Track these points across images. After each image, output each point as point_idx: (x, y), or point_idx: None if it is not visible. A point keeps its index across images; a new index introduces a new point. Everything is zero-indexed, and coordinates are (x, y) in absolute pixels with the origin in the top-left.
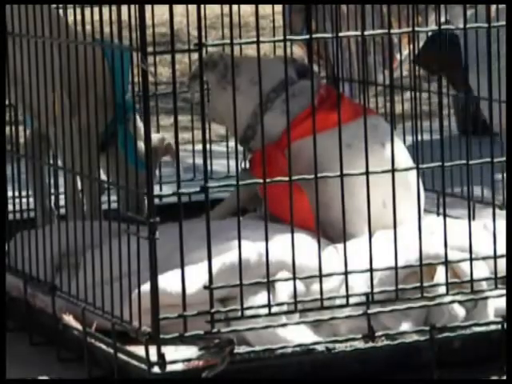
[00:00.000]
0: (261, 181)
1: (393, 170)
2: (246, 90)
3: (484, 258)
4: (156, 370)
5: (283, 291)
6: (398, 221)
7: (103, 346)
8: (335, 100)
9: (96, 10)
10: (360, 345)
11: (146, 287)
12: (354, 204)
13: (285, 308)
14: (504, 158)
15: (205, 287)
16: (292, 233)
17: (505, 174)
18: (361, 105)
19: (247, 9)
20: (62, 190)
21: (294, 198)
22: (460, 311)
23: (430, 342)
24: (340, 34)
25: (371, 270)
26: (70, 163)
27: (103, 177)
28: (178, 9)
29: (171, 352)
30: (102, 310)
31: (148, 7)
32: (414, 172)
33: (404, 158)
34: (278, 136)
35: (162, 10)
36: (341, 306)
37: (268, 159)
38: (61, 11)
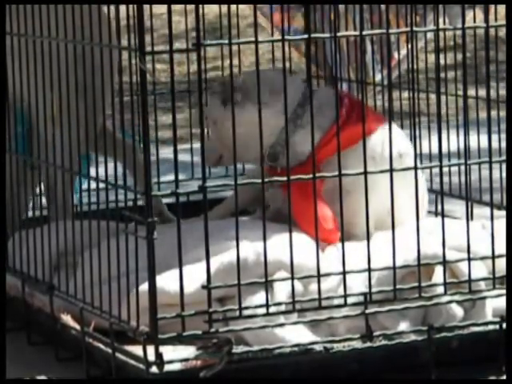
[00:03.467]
0: (259, 181)
1: (391, 170)
2: (271, 103)
3: (482, 258)
4: (154, 369)
5: (281, 291)
6: (400, 224)
7: (101, 346)
8: (361, 111)
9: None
10: (358, 345)
11: (144, 287)
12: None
13: (283, 308)
14: (503, 158)
15: (203, 287)
16: (290, 232)
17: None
18: (376, 112)
19: (245, 9)
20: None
21: (319, 214)
22: (458, 311)
23: (428, 342)
24: (338, 34)
25: (369, 270)
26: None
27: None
28: (177, 8)
29: (169, 352)
30: (100, 309)
31: (146, 7)
32: (419, 175)
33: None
34: (309, 154)
35: (160, 10)
36: (339, 306)
37: (298, 182)
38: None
